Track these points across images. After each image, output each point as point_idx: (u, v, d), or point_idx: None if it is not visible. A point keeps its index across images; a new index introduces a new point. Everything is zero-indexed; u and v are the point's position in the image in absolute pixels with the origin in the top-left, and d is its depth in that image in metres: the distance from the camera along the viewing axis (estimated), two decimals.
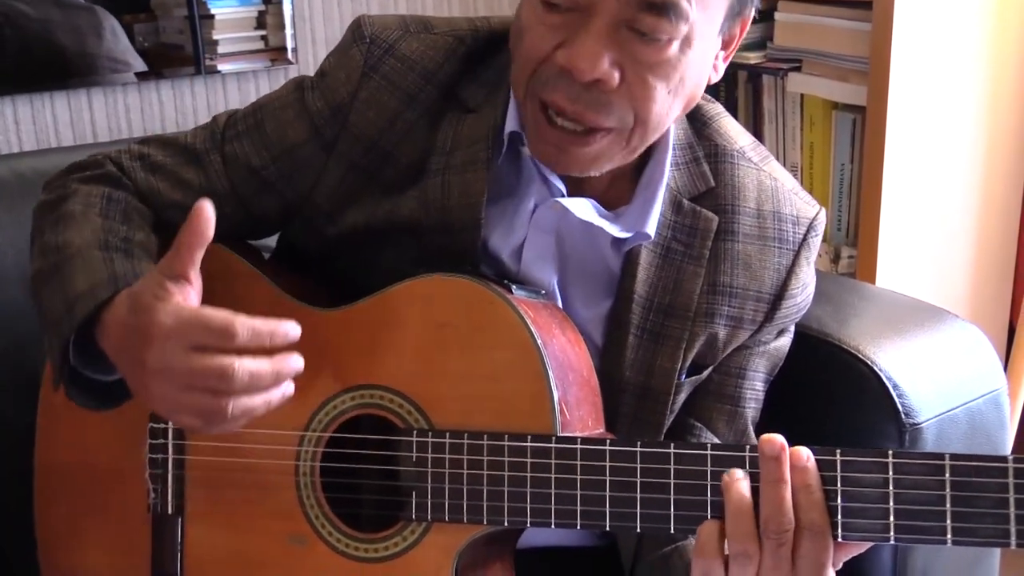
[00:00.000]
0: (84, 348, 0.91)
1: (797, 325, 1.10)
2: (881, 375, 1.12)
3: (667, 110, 0.91)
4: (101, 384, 0.93)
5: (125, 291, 0.88)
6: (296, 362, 0.83)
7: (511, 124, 0.97)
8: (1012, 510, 0.77)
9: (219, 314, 0.81)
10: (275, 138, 1.02)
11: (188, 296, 0.84)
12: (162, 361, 0.82)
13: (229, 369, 0.80)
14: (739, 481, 0.81)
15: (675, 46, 0.87)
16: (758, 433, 1.07)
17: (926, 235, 1.69)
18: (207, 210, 0.84)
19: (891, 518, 0.80)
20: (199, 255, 0.85)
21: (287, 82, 1.06)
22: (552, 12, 0.87)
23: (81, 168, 1.05)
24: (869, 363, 1.13)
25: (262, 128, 1.03)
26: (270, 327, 0.81)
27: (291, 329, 0.83)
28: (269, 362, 0.82)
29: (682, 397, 1.04)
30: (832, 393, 1.16)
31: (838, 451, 0.81)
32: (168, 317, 0.82)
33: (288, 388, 0.84)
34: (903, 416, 1.11)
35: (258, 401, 0.83)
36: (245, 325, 0.80)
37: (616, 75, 0.87)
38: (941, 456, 0.79)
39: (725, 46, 0.95)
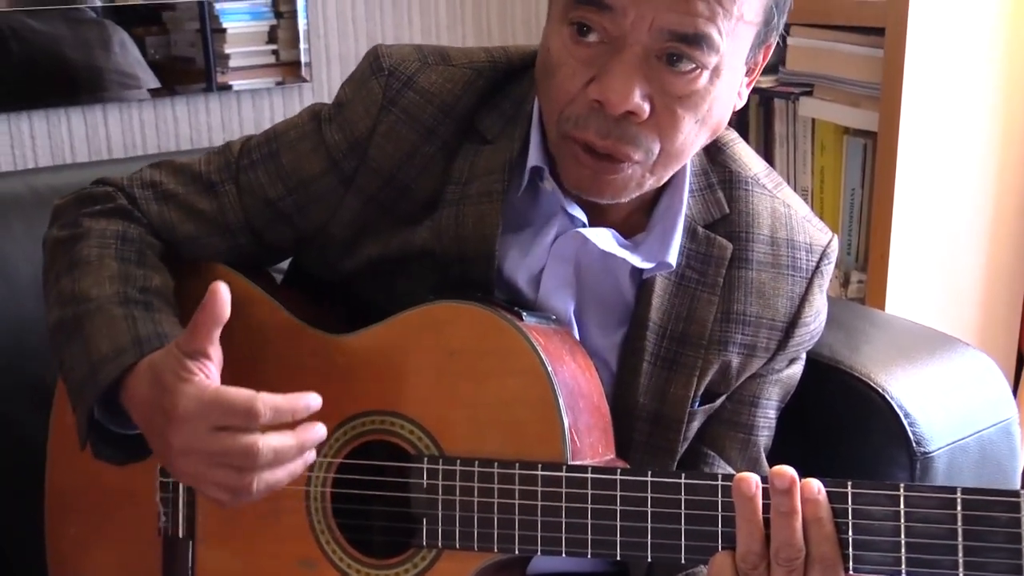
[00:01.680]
0: (107, 404, 0.92)
1: (809, 352, 1.10)
2: (892, 403, 1.12)
3: (693, 139, 0.91)
4: (126, 437, 0.94)
5: (147, 360, 0.89)
6: (319, 431, 0.86)
7: (534, 159, 0.96)
8: None
9: (241, 395, 0.83)
10: (291, 170, 1.02)
11: (209, 372, 0.86)
12: (187, 442, 0.84)
13: (253, 447, 0.82)
14: (752, 501, 0.82)
15: (705, 77, 0.87)
16: (770, 459, 1.08)
17: (936, 261, 1.69)
18: (222, 292, 0.85)
19: (902, 551, 0.80)
20: (216, 333, 0.86)
21: (303, 110, 1.05)
22: (582, 44, 0.87)
23: (92, 200, 1.04)
24: (880, 391, 1.13)
25: (277, 158, 1.03)
26: (291, 404, 0.83)
27: (312, 401, 0.84)
28: (292, 436, 0.84)
29: (695, 425, 1.04)
30: (843, 420, 1.16)
31: (849, 483, 0.81)
32: (190, 401, 0.83)
33: (310, 456, 0.86)
34: (914, 444, 1.11)
35: (282, 474, 0.85)
36: (267, 404, 0.82)
37: (646, 108, 0.86)
38: (952, 489, 0.79)
39: (749, 72, 0.94)
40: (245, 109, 1.78)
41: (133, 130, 1.69)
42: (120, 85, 1.65)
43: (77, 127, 1.64)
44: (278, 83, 1.79)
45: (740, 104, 0.96)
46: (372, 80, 0.99)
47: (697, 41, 0.84)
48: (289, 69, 1.80)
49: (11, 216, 1.38)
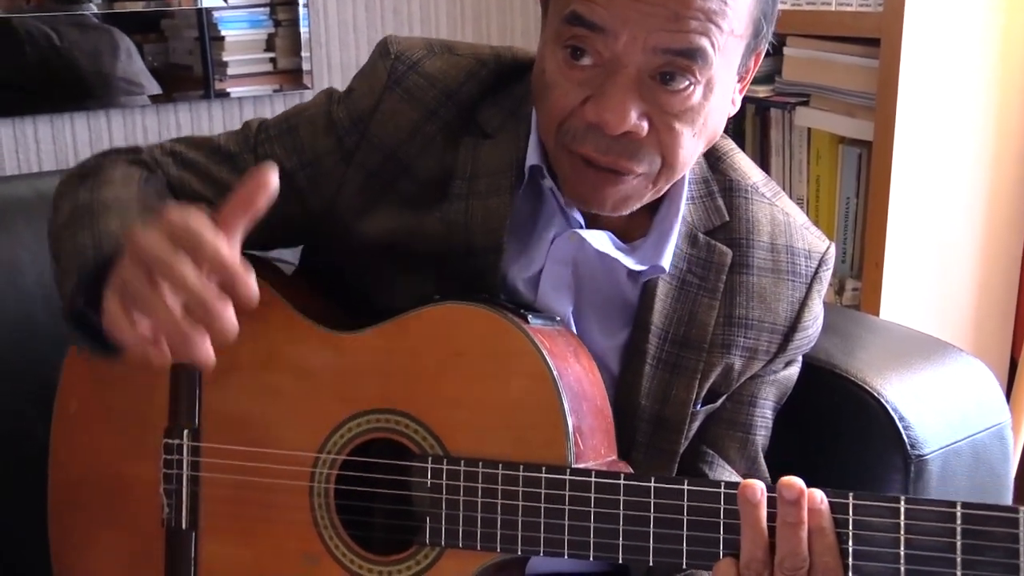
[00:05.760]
0: (97, 297, 0.86)
1: (806, 356, 1.11)
2: (887, 407, 1.13)
3: (692, 151, 0.93)
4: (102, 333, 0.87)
5: None
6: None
7: (532, 158, 0.98)
8: (1022, 560, 0.78)
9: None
10: (307, 144, 1.04)
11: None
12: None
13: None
14: (757, 508, 0.83)
15: (699, 92, 0.89)
16: (768, 462, 1.10)
17: (930, 268, 1.71)
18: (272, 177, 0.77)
19: (902, 563, 0.81)
20: (243, 221, 0.78)
21: (319, 92, 1.08)
22: (576, 67, 0.88)
23: (117, 152, 1.07)
24: (876, 395, 1.14)
25: (295, 132, 1.05)
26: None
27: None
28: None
29: (696, 425, 1.05)
30: (839, 424, 1.17)
31: (851, 494, 0.82)
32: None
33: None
34: (908, 447, 1.12)
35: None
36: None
37: (645, 125, 0.88)
38: (952, 504, 0.80)
39: (740, 79, 0.96)
40: (247, 115, 1.79)
41: (136, 135, 1.70)
42: (123, 91, 1.66)
43: (81, 132, 1.66)
44: (276, 91, 1.81)
45: (734, 111, 0.98)
46: (379, 63, 1.02)
47: (691, 55, 0.86)
48: (287, 77, 1.81)
49: (16, 219, 1.38)
